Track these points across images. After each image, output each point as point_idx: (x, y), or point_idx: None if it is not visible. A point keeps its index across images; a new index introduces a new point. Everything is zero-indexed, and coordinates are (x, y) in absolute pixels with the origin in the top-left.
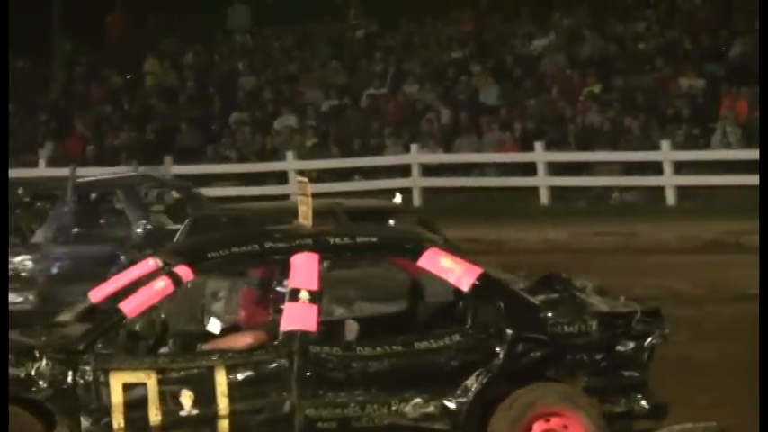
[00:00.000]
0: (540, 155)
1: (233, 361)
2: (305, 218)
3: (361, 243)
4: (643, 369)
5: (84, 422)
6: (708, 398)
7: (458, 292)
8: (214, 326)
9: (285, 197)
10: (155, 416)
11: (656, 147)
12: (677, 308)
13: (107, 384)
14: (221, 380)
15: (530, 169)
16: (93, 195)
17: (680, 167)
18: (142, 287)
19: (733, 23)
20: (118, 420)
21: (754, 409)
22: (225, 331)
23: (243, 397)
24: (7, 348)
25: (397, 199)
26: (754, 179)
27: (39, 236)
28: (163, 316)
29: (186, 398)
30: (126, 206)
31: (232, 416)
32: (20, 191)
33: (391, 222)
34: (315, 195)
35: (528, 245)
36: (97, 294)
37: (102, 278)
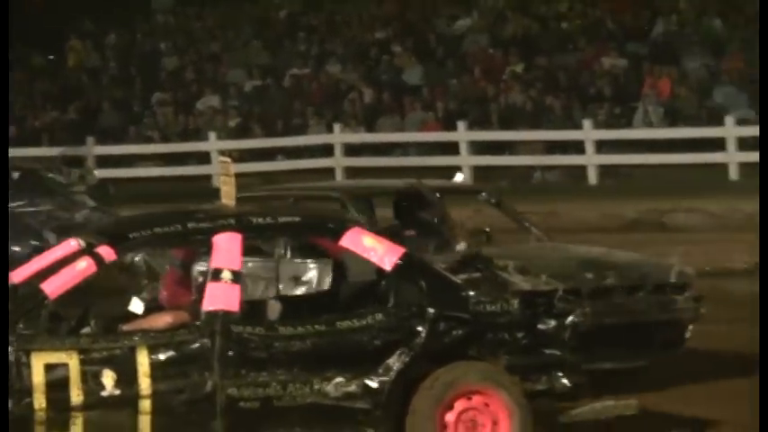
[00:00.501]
0: (462, 134)
1: (155, 341)
2: (227, 198)
3: (283, 223)
4: (564, 347)
5: None
6: (628, 376)
7: (380, 271)
8: (136, 306)
9: (207, 177)
10: (76, 396)
11: (578, 126)
12: None
13: (28, 365)
14: (143, 360)
15: (452, 149)
16: None
17: (602, 146)
18: (64, 268)
19: (655, 3)
20: (39, 401)
21: (674, 389)
22: (147, 311)
23: (165, 377)
24: (7, 348)
25: (459, 177)
26: (675, 158)
27: None
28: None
29: (108, 378)
30: None
31: (154, 396)
32: None
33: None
34: (237, 176)
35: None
36: (19, 275)
37: None
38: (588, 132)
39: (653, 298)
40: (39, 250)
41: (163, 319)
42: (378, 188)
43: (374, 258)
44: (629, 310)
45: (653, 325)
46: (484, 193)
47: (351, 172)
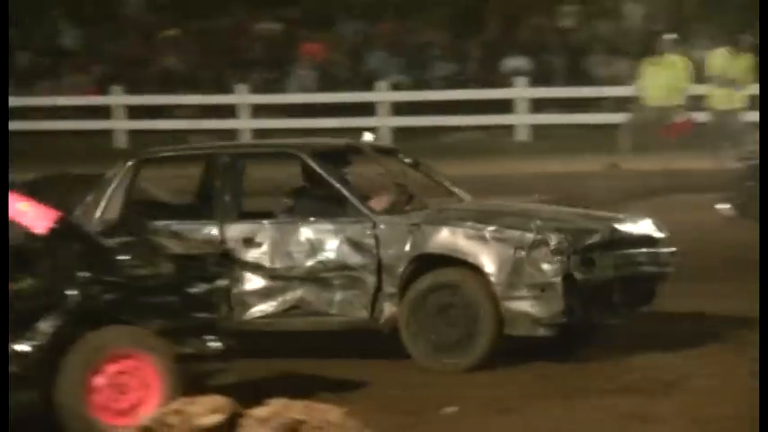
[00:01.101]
0: (117, 98)
1: None
2: None
3: None
4: (215, 311)
5: None
6: None
7: (33, 235)
8: None
9: None
10: None
11: (232, 90)
12: None
13: None
14: None
15: (108, 112)
16: None
17: (257, 111)
18: None
19: None
20: None
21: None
22: None
23: None
24: (7, 348)
25: (368, 137)
26: (328, 122)
27: None
28: None
29: None
30: None
31: None
32: None
33: None
34: None
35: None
36: None
37: None
38: (242, 97)
39: (647, 251)
40: None
41: None
42: (327, 146)
43: (26, 222)
44: (633, 263)
45: (645, 278)
46: (401, 154)
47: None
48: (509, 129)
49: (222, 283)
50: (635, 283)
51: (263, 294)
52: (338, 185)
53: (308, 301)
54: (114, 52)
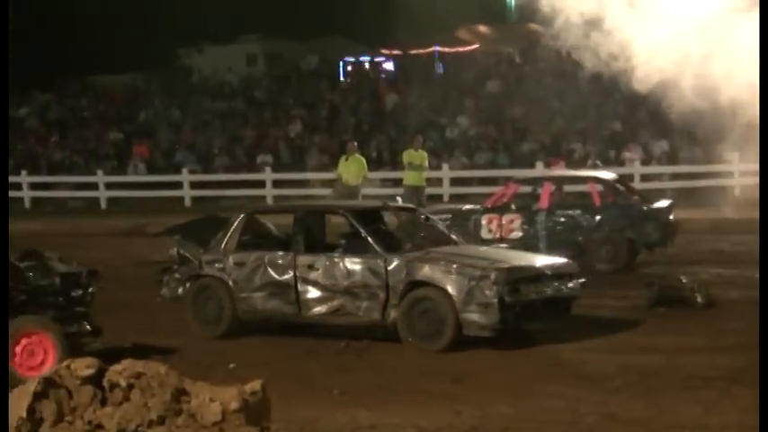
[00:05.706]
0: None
1: None
2: None
3: None
4: (87, 305)
5: None
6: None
7: None
8: None
9: None
10: None
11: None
12: None
13: None
14: None
15: None
16: None
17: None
18: None
19: None
20: None
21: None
22: None
23: None
24: (7, 349)
25: (398, 199)
26: None
27: None
28: None
29: None
30: None
31: None
32: None
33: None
34: None
35: None
36: None
37: None
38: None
39: (563, 281)
40: None
41: None
42: (366, 206)
43: None
44: (552, 288)
45: (562, 298)
46: (417, 212)
47: None
48: None
49: (93, 289)
50: (555, 301)
51: (319, 300)
52: (366, 235)
53: (346, 306)
54: None
